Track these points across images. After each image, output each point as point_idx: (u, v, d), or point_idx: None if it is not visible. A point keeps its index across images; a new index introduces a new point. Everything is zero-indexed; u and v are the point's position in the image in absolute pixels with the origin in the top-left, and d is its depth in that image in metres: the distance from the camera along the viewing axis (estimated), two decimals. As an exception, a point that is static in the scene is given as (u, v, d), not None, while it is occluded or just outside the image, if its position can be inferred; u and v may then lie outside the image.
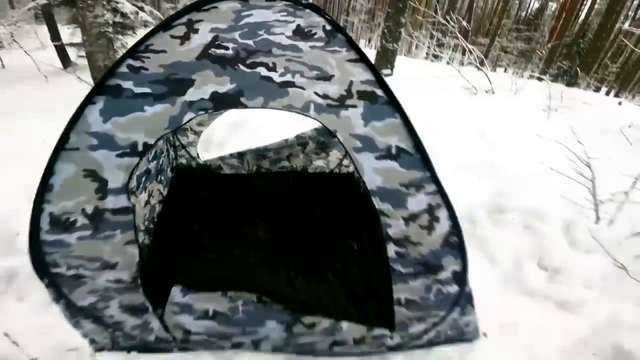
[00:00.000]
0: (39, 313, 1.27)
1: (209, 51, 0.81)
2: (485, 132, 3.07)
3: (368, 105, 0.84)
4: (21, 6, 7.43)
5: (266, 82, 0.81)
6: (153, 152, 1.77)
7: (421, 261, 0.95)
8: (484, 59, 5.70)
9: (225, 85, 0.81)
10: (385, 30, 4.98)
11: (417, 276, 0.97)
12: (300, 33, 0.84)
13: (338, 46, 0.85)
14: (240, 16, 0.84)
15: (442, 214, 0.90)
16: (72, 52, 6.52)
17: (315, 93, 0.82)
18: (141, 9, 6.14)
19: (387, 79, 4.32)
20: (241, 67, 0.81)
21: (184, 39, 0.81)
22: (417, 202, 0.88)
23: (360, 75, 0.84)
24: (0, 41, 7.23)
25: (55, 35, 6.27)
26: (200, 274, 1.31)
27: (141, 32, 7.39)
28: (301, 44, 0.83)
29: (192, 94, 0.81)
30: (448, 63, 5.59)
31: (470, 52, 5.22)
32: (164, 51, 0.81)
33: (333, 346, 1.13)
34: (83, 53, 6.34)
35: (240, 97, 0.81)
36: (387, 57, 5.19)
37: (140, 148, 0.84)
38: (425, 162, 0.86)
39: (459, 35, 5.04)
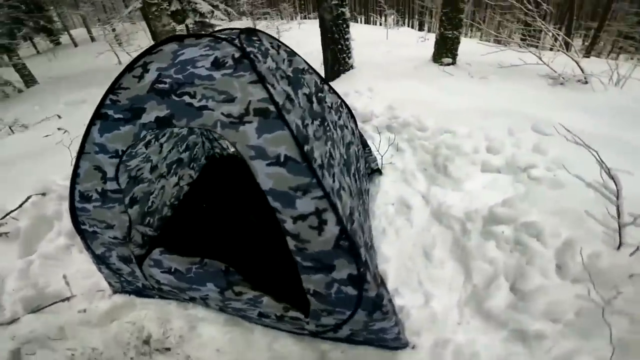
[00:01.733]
0: (89, 262, 1.73)
1: (154, 86, 1.12)
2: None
3: (262, 120, 1.02)
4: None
5: (188, 108, 1.08)
6: (184, 144, 2.29)
7: (316, 257, 1.10)
8: (571, 44, 4.71)
9: (163, 111, 1.11)
10: (443, 17, 4.60)
11: (316, 271, 1.13)
12: (216, 64, 1.07)
13: (243, 71, 1.05)
14: (176, 55, 1.12)
15: (330, 217, 1.03)
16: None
17: (222, 113, 1.05)
18: (216, 7, 7.09)
19: (450, 68, 4.13)
20: (173, 97, 1.10)
21: (140, 77, 1.14)
22: (305, 204, 1.03)
23: (257, 94, 1.03)
24: (118, 38, 9.28)
25: (154, 35, 7.77)
26: (178, 242, 1.73)
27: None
28: (215, 73, 1.06)
29: (144, 118, 1.15)
30: (521, 46, 4.80)
31: (556, 37, 4.40)
32: (129, 88, 1.16)
33: (261, 317, 1.41)
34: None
35: (172, 120, 1.11)
36: (446, 46, 4.81)
37: (120, 153, 1.25)
38: (310, 169, 1.01)
39: (537, 18, 4.29)
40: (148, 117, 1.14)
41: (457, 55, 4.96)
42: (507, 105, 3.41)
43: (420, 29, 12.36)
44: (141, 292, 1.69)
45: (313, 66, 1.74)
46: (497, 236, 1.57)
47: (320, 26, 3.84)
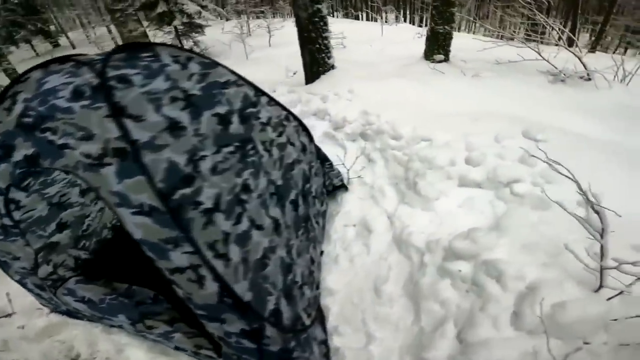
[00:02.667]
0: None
1: (21, 120, 0.96)
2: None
3: (120, 162, 0.86)
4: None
5: (50, 146, 0.92)
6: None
7: (204, 308, 0.96)
8: (574, 38, 4.38)
9: (30, 150, 0.96)
10: (434, 12, 4.32)
11: (209, 319, 1.00)
12: (75, 94, 0.90)
13: (100, 102, 0.88)
14: (41, 84, 0.95)
15: (207, 274, 0.89)
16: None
17: (81, 153, 0.87)
18: (204, 7, 6.93)
19: (441, 66, 3.88)
20: (37, 133, 0.93)
21: (9, 110, 0.99)
22: (179, 258, 0.89)
23: (113, 131, 0.86)
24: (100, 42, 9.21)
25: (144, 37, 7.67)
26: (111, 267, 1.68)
27: (208, 30, 8.40)
28: (74, 105, 0.90)
29: (15, 156, 1.00)
30: (520, 41, 4.49)
31: (557, 31, 4.09)
32: (1, 122, 1.00)
33: (177, 349, 1.38)
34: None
35: (39, 159, 0.95)
36: (438, 42, 4.53)
37: (3, 190, 1.13)
38: (175, 222, 0.85)
39: (535, 11, 3.98)
40: (18, 155, 0.99)
41: (449, 51, 4.68)
42: (498, 107, 3.15)
43: (421, 25, 11.96)
44: (70, 314, 1.68)
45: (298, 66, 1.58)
46: (454, 274, 1.35)
47: (297, 25, 3.63)
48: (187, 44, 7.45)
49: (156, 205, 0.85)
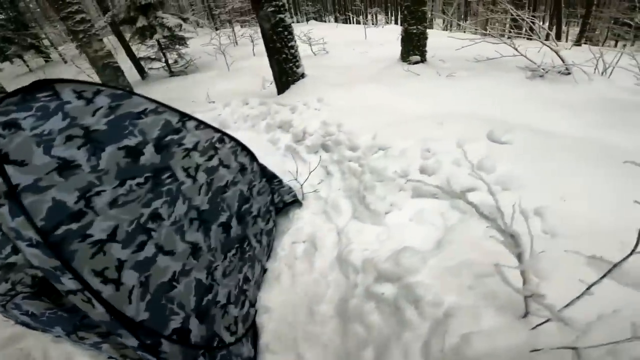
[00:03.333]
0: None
1: None
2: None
3: (9, 203, 0.91)
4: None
5: None
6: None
7: (102, 324, 1.03)
8: (550, 33, 4.31)
9: None
10: (405, 12, 4.31)
11: (111, 333, 1.06)
12: None
13: None
14: None
15: (92, 298, 0.96)
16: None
17: None
18: (185, 20, 7.03)
19: (418, 67, 3.86)
20: None
21: None
22: (68, 282, 0.96)
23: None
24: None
25: (128, 50, 7.80)
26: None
27: (195, 41, 8.52)
28: None
29: None
30: (501, 37, 4.44)
31: (536, 25, 4.04)
32: None
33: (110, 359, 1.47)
34: (152, 65, 7.76)
35: None
36: (412, 43, 4.52)
37: None
38: (55, 254, 0.92)
39: (507, 5, 3.94)
40: None
41: (426, 51, 4.66)
42: (467, 108, 3.12)
43: None
44: (28, 325, 1.71)
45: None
46: (379, 297, 1.33)
47: (262, 36, 3.65)
48: (171, 56, 7.57)
49: (39, 239, 0.92)
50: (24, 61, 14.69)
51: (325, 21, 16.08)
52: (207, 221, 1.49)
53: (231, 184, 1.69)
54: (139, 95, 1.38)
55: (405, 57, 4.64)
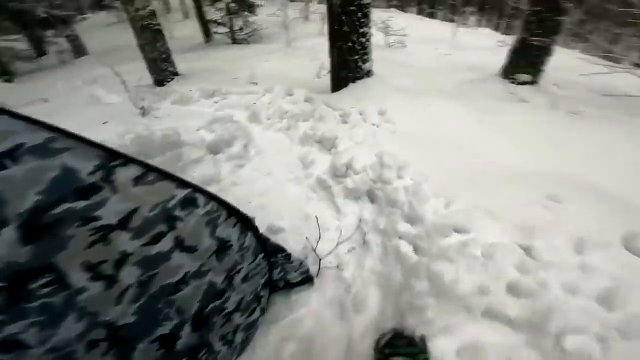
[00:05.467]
0: None
1: None
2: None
3: None
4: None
5: None
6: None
7: None
8: None
9: None
10: (532, 17, 3.07)
11: None
12: None
13: None
14: None
15: None
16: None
17: None
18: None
19: (525, 90, 3.20)
20: None
21: None
22: None
23: None
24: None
25: (199, 11, 7.37)
26: None
27: (261, 10, 7.85)
28: None
29: None
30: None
31: None
32: None
33: None
34: (218, 29, 7.32)
35: None
36: (529, 57, 3.31)
37: None
38: None
39: None
40: None
41: (542, 71, 3.40)
42: (598, 176, 2.02)
43: (508, 33, 9.63)
44: None
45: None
46: None
47: (327, 14, 2.77)
48: (237, 23, 7.04)
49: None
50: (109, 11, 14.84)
51: (405, 12, 14.16)
52: (129, 339, 0.82)
53: (192, 277, 0.97)
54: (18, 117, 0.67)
55: (510, 72, 3.44)
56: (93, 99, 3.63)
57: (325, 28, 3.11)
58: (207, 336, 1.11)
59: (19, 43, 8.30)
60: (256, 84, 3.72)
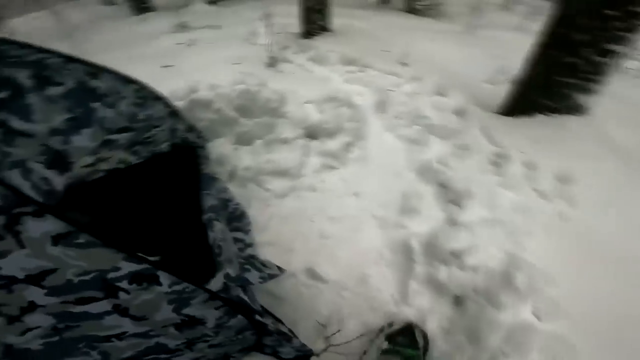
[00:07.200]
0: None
1: None
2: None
3: None
4: None
5: None
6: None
7: None
8: None
9: None
10: None
11: None
12: None
13: None
14: None
15: None
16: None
17: None
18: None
19: None
20: None
21: None
22: None
23: None
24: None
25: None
26: None
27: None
28: None
29: None
30: None
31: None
32: None
33: None
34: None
35: None
36: None
37: None
38: None
39: None
40: None
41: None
42: None
43: None
44: None
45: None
46: None
47: (561, 4, 1.70)
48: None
49: None
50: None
51: None
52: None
53: (132, 337, 0.63)
54: None
55: None
56: (251, 35, 3.64)
57: (531, 24, 2.01)
58: None
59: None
60: (406, 64, 2.99)
